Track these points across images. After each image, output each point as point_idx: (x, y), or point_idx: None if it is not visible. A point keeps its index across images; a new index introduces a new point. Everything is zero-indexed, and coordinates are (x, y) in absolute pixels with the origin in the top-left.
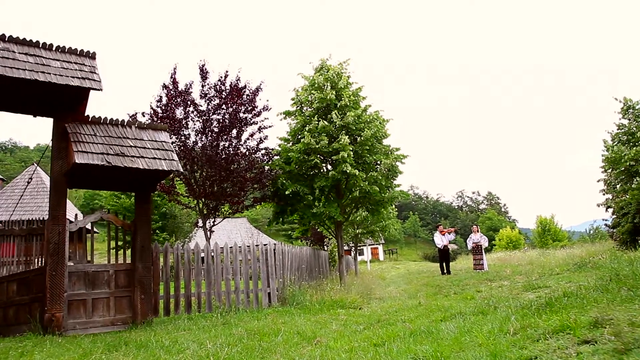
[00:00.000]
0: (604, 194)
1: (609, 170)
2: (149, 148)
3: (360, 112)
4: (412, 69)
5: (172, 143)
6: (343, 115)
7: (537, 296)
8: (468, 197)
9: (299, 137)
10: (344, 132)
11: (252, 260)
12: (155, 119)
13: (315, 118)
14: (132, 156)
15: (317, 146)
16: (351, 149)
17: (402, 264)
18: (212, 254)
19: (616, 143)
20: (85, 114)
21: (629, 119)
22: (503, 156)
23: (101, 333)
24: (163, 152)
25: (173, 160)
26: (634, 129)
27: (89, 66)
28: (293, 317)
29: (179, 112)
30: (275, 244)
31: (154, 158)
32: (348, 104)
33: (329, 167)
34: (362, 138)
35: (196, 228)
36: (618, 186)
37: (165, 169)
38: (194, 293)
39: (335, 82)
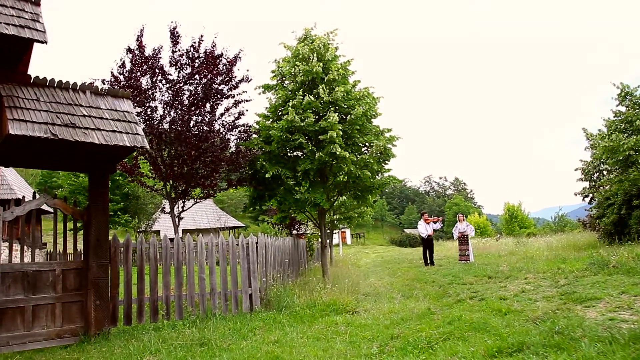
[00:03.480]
0: (591, 182)
1: (606, 159)
2: (107, 119)
3: (349, 88)
4: (379, 47)
5: (137, 115)
6: (331, 91)
7: (603, 317)
8: (435, 182)
9: (280, 113)
10: (332, 109)
11: (231, 257)
12: (117, 87)
13: (300, 93)
14: (86, 128)
15: (302, 124)
16: (340, 128)
17: (371, 249)
18: (183, 247)
19: (612, 131)
20: (28, 74)
21: (627, 106)
22: (468, 142)
23: (44, 349)
24: (125, 125)
25: (137, 134)
26: (632, 117)
27: (31, 13)
28: (285, 331)
29: (145, 81)
30: (249, 231)
31: (114, 131)
32: (336, 78)
33: (313, 148)
34: (352, 116)
35: (159, 210)
36: (612, 175)
37: (127, 144)
38: (161, 296)
39: (322, 54)
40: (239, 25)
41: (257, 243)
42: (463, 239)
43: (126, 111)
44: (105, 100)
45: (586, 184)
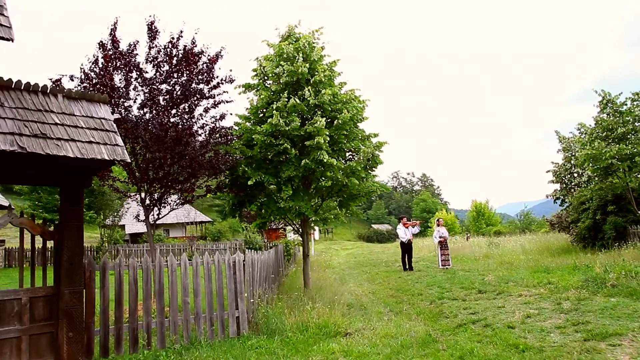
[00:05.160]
0: (562, 184)
1: (587, 166)
2: (82, 127)
3: (336, 91)
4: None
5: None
6: (317, 93)
7: None
8: (403, 177)
9: (261, 115)
10: (319, 113)
11: (217, 277)
12: (88, 85)
13: (285, 94)
14: (59, 139)
15: (286, 128)
16: (327, 133)
17: (339, 245)
18: (167, 268)
19: (594, 138)
20: None
21: (608, 114)
22: (436, 138)
23: None
24: (102, 134)
25: (116, 145)
26: (613, 124)
27: None
28: None
29: (119, 79)
30: (216, 226)
31: (90, 142)
32: (323, 79)
33: (297, 153)
34: (339, 121)
35: (127, 206)
36: (584, 178)
37: (106, 158)
38: (141, 323)
39: (307, 54)
40: (221, 27)
41: (244, 261)
42: (445, 244)
43: (103, 118)
44: (80, 106)
45: (557, 186)
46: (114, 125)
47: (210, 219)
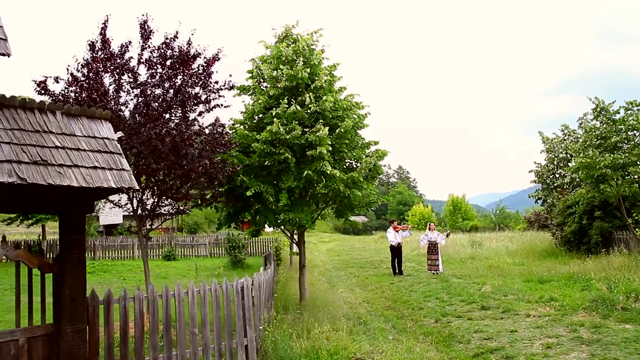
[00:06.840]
0: (544, 184)
1: (580, 173)
2: (85, 150)
3: (337, 97)
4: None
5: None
6: (318, 99)
7: None
8: None
9: (257, 120)
10: (320, 120)
11: (225, 304)
12: (76, 89)
13: (285, 100)
14: (60, 165)
15: (287, 137)
16: (329, 142)
17: (317, 237)
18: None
19: (587, 146)
20: None
21: (601, 122)
22: (410, 128)
23: None
24: (107, 157)
25: (123, 169)
26: (607, 133)
27: None
28: None
29: (109, 82)
30: (193, 217)
31: (95, 167)
32: (323, 85)
33: (296, 161)
34: (341, 129)
35: (105, 204)
36: (567, 180)
37: (113, 186)
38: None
39: (307, 57)
40: (214, 27)
41: (252, 285)
42: (433, 249)
43: (106, 138)
44: (81, 124)
45: (539, 186)
46: (118, 146)
47: (187, 211)
